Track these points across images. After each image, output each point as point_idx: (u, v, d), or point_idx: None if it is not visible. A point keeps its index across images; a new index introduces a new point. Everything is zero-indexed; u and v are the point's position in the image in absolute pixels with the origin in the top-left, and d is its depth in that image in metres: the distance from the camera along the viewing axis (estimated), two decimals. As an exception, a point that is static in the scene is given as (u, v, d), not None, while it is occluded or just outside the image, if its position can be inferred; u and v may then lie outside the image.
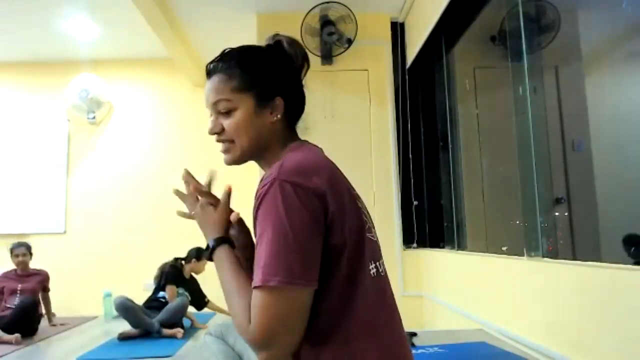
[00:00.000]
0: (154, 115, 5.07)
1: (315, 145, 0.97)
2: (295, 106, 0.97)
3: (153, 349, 3.00)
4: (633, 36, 2.33)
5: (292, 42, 0.97)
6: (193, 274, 4.00)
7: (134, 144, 5.02)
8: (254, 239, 0.84)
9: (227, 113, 0.91)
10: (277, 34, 0.98)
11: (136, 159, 4.99)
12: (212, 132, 0.93)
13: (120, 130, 5.04)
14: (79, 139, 5.00)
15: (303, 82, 0.99)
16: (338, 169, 0.89)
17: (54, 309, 4.04)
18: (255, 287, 0.75)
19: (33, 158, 4.94)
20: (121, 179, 4.94)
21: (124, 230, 4.82)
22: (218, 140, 0.94)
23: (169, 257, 4.75)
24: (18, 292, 3.68)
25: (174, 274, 3.74)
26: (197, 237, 4.16)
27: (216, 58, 0.94)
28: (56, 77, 4.82)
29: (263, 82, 0.91)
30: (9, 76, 5.06)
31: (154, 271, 3.83)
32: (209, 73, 0.94)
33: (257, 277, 0.75)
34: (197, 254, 3.90)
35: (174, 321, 3.46)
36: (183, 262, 3.92)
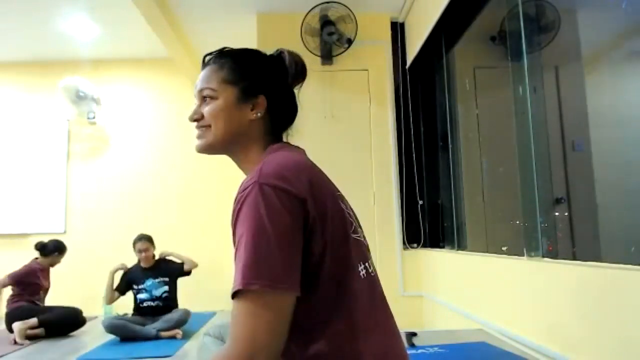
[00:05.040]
0: (154, 115, 5.07)
1: (297, 147, 0.96)
2: (282, 112, 0.97)
3: (153, 349, 2.99)
4: (633, 36, 2.33)
5: (293, 54, 0.99)
6: (162, 258, 3.79)
7: (133, 144, 5.02)
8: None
9: (209, 101, 0.93)
10: (282, 49, 1.00)
11: (136, 159, 4.99)
12: (191, 119, 0.95)
13: (120, 130, 5.04)
14: (79, 139, 5.00)
15: (297, 91, 1.01)
16: (320, 170, 0.88)
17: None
18: (234, 293, 0.71)
19: (33, 158, 4.94)
20: (121, 178, 4.94)
21: (124, 230, 4.81)
22: (196, 127, 0.95)
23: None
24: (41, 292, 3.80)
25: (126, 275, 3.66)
26: (196, 237, 4.16)
27: (214, 51, 0.99)
28: (56, 77, 4.81)
29: (250, 78, 0.94)
30: (8, 76, 5.06)
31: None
32: (204, 64, 0.98)
33: (237, 281, 0.71)
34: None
35: (175, 328, 3.41)
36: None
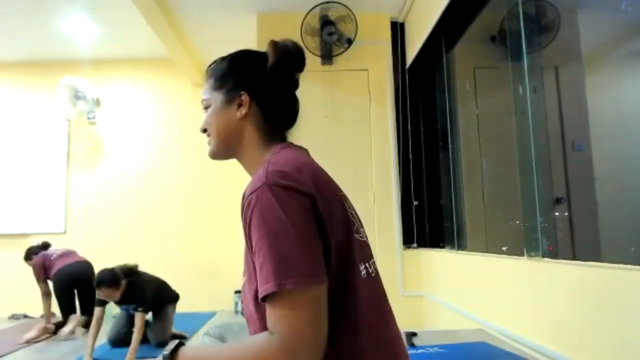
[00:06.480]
0: (154, 115, 5.07)
1: (300, 147, 0.96)
2: (273, 105, 0.96)
3: (153, 350, 3.00)
4: (633, 36, 2.33)
5: (278, 41, 0.97)
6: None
7: (133, 144, 5.02)
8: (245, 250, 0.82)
9: (206, 111, 1.00)
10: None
11: (136, 159, 4.99)
12: (200, 129, 1.02)
13: (120, 130, 5.04)
14: (79, 139, 5.00)
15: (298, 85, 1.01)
16: (323, 170, 0.89)
17: (53, 308, 4.04)
18: (268, 295, 0.71)
19: (33, 158, 4.94)
20: (121, 179, 4.94)
21: (124, 230, 4.82)
22: (206, 136, 1.01)
23: (169, 257, 4.75)
24: None
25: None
26: (196, 237, 4.12)
27: (212, 63, 1.03)
28: (56, 77, 4.81)
29: (231, 79, 0.97)
30: (8, 76, 5.06)
31: (154, 271, 3.80)
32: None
33: (269, 283, 0.70)
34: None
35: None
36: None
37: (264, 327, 0.75)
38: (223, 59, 1.00)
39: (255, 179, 0.79)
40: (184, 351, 0.79)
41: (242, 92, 0.94)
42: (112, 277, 2.97)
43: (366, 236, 0.92)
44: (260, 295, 0.72)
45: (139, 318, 2.94)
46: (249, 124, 0.95)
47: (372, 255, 0.91)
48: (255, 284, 0.77)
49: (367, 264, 0.86)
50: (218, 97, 0.96)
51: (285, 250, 0.72)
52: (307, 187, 0.78)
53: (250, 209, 0.76)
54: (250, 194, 0.77)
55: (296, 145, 0.97)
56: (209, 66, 1.03)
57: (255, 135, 0.95)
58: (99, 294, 2.97)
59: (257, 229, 0.74)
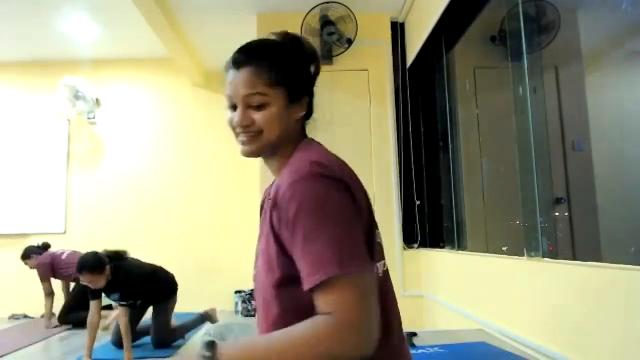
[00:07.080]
0: (154, 115, 5.07)
1: (320, 144, 0.97)
2: (312, 108, 0.99)
3: (153, 350, 2.99)
4: (633, 36, 2.33)
5: (311, 46, 0.99)
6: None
7: (133, 144, 5.02)
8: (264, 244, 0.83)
9: (259, 107, 0.88)
10: (287, 32, 0.97)
11: (136, 159, 4.99)
12: (242, 124, 0.89)
13: (120, 130, 5.04)
14: (79, 139, 5.00)
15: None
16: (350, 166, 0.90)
17: (54, 308, 4.05)
18: (327, 280, 0.70)
19: (33, 158, 4.94)
20: (121, 179, 4.94)
21: (124, 230, 4.82)
22: (244, 132, 0.90)
23: (169, 257, 4.74)
24: None
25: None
26: (196, 237, 4.12)
27: (244, 49, 0.92)
28: (56, 77, 4.81)
29: (295, 79, 0.92)
30: (8, 76, 5.06)
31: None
32: (238, 64, 0.90)
33: (329, 268, 0.70)
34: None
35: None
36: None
37: (281, 315, 0.78)
38: (274, 52, 0.91)
39: (292, 171, 0.79)
40: (227, 351, 0.71)
41: (305, 96, 0.94)
42: (95, 261, 2.76)
43: (380, 238, 0.92)
44: (319, 280, 0.70)
45: (121, 315, 2.76)
46: (297, 124, 0.94)
47: (384, 255, 0.92)
48: (278, 273, 0.79)
49: (378, 264, 0.87)
50: (279, 96, 0.88)
51: (344, 235, 0.73)
52: (344, 177, 0.80)
53: (296, 199, 0.75)
54: (290, 184, 0.77)
55: (318, 142, 0.97)
56: (250, 52, 0.91)
57: (297, 133, 0.95)
58: (82, 280, 2.76)
59: (307, 218, 0.74)
